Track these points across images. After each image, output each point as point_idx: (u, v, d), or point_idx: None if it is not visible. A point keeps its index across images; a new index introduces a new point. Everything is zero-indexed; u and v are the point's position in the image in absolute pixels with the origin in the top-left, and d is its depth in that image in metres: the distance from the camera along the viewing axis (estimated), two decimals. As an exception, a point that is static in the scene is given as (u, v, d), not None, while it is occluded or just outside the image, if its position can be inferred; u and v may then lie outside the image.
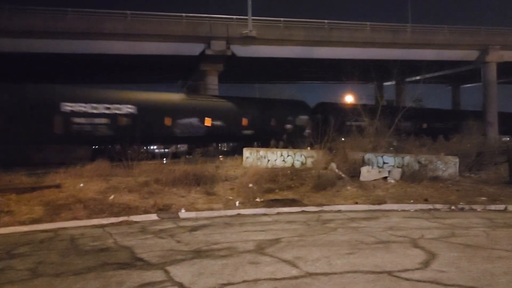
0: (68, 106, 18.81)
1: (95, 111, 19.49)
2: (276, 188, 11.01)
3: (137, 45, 27.50)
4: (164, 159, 17.31)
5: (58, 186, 10.30)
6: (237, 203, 9.42)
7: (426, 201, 9.52)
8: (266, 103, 28.67)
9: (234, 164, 16.88)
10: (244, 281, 4.19)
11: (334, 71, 34.91)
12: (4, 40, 24.20)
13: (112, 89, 25.50)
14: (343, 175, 12.04)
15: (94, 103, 19.57)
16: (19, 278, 4.52)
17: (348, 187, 11.01)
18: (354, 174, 12.16)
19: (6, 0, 31.97)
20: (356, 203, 9.48)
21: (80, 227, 7.20)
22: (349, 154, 13.25)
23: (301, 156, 14.89)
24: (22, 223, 7.36)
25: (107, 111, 19.81)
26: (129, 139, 14.90)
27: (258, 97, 34.85)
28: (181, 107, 22.89)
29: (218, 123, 23.74)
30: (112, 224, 7.45)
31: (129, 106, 20.52)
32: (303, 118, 27.61)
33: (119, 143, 17.14)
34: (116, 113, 20.04)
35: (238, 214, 8.48)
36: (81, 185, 10.44)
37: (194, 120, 22.85)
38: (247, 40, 29.05)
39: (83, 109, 19.19)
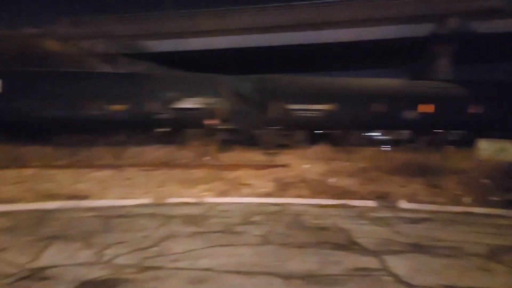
0: None
1: None
2: (518, 188, 9.33)
3: (361, 31, 27.62)
4: (384, 146, 17.00)
5: (286, 166, 11.44)
6: (466, 199, 8.45)
7: None
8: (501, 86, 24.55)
9: (465, 155, 15.11)
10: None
11: None
12: (250, 36, 28.22)
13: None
14: None
15: None
16: (253, 242, 5.27)
17: None
18: None
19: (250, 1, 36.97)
20: None
21: (303, 204, 7.81)
22: None
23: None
24: (258, 195, 8.49)
25: None
26: None
27: (494, 80, 30.06)
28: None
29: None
30: (331, 206, 7.78)
31: None
32: None
33: None
34: None
35: (467, 212, 7.58)
36: (306, 166, 11.29)
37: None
38: (488, 13, 25.25)
39: None
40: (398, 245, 5.18)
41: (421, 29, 27.17)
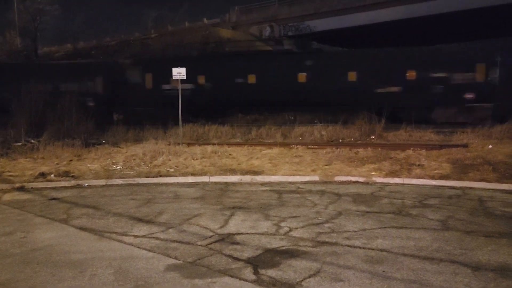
0: None
1: None
2: None
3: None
4: None
5: (465, 146, 10.28)
6: None
7: None
8: None
9: None
10: None
11: None
12: (421, 4, 25.76)
13: None
14: None
15: None
16: (431, 226, 4.93)
17: None
18: None
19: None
20: None
21: (488, 189, 6.95)
22: None
23: None
24: (431, 177, 7.88)
25: None
26: None
27: None
28: None
29: None
30: (525, 193, 6.73)
31: None
32: None
33: None
34: None
35: None
36: (490, 146, 9.96)
37: None
38: None
39: None
40: None
41: None
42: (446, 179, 7.70)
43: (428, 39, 29.34)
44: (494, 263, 3.74)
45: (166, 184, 7.92)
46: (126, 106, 19.68)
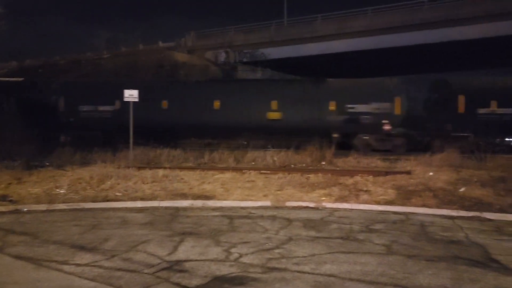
0: None
1: None
2: None
3: (493, 26, 24.89)
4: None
5: (408, 173, 10.79)
6: None
7: None
8: None
9: None
10: None
11: None
12: (367, 38, 27.45)
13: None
14: None
15: None
16: (376, 251, 5.08)
17: None
18: None
19: (368, 3, 36.19)
20: None
21: (429, 215, 7.29)
22: None
23: None
24: (377, 202, 8.17)
25: None
26: None
27: None
28: None
29: None
30: (462, 218, 7.13)
31: None
32: None
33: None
34: None
35: None
36: (431, 173, 10.51)
37: None
38: None
39: None
40: (549, 267, 4.52)
41: None
42: (391, 205, 8.00)
43: (376, 71, 31.20)
44: (434, 287, 3.90)
45: (114, 209, 7.63)
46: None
